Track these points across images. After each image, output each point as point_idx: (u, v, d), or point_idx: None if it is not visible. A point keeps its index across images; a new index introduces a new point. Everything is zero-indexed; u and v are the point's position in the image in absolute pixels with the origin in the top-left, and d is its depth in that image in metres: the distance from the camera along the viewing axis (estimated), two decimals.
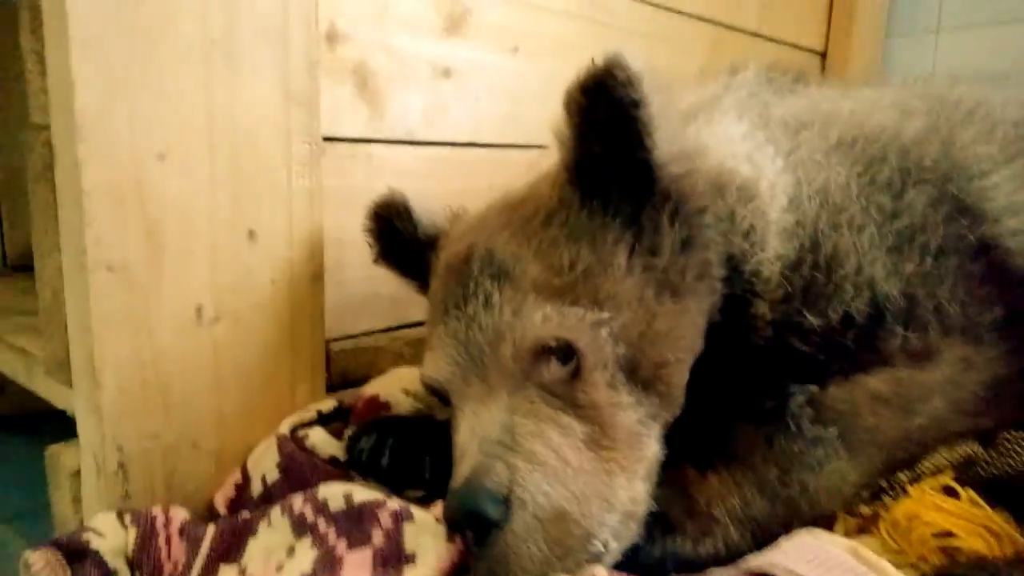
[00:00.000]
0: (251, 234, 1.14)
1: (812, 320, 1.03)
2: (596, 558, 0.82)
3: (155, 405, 1.04)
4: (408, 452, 1.10)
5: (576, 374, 0.86)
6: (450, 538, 0.85)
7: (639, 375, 0.89)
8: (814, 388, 1.01)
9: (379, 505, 0.89)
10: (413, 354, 1.58)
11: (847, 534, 0.95)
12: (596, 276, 0.89)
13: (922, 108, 1.19)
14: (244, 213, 1.13)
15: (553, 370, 0.86)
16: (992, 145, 1.14)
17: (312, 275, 1.25)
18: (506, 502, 0.78)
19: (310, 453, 1.07)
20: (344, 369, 1.43)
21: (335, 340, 1.41)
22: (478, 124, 1.67)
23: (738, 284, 1.02)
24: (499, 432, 0.83)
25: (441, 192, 1.58)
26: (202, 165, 1.07)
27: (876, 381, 1.01)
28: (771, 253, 1.03)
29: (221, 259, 1.10)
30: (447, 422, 1.11)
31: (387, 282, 1.50)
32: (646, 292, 0.91)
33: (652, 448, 0.91)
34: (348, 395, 1.36)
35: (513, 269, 0.89)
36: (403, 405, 1.31)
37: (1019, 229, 1.08)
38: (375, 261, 1.23)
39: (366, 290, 1.47)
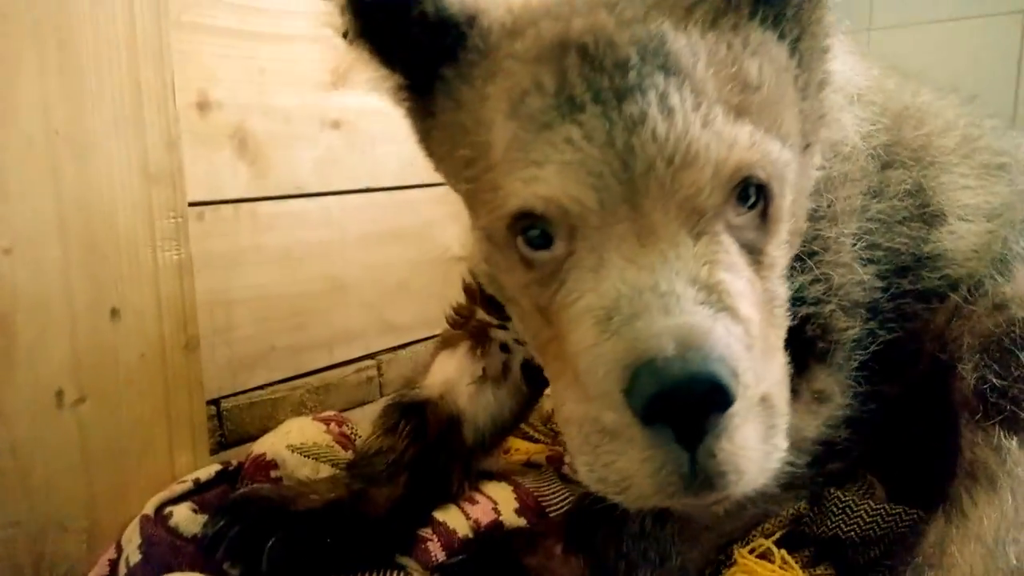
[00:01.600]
0: (114, 313, 1.17)
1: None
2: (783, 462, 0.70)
3: (14, 492, 1.07)
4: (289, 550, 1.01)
5: (764, 219, 0.72)
6: (649, 423, 0.63)
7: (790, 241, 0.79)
8: None
9: None
10: (316, 402, 1.62)
11: None
12: (777, 104, 0.74)
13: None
14: (105, 294, 1.16)
15: (744, 212, 0.71)
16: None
17: (186, 344, 1.27)
18: (734, 376, 0.61)
19: (173, 533, 1.10)
20: (239, 425, 1.47)
21: (227, 397, 1.44)
22: (375, 170, 1.69)
23: None
24: (696, 290, 0.65)
25: (339, 240, 1.62)
26: (54, 253, 1.09)
27: None
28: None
29: (83, 341, 1.13)
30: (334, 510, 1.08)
31: (282, 334, 1.54)
32: (798, 138, 0.79)
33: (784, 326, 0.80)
34: (238, 453, 1.40)
35: (692, 65, 0.68)
36: (289, 464, 1.34)
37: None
38: (350, 41, 0.86)
39: (260, 345, 1.50)
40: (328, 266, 1.61)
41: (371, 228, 1.69)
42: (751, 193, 0.71)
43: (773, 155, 0.70)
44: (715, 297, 0.65)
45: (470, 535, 1.13)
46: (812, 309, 0.99)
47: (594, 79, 0.68)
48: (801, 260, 0.94)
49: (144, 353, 1.21)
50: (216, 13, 1.34)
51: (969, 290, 1.08)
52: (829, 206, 0.98)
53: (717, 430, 0.62)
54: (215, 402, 1.41)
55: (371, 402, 1.74)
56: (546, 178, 0.68)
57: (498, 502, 1.21)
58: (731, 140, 0.67)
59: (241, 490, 1.19)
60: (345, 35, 0.85)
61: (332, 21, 0.84)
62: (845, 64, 0.99)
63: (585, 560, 0.97)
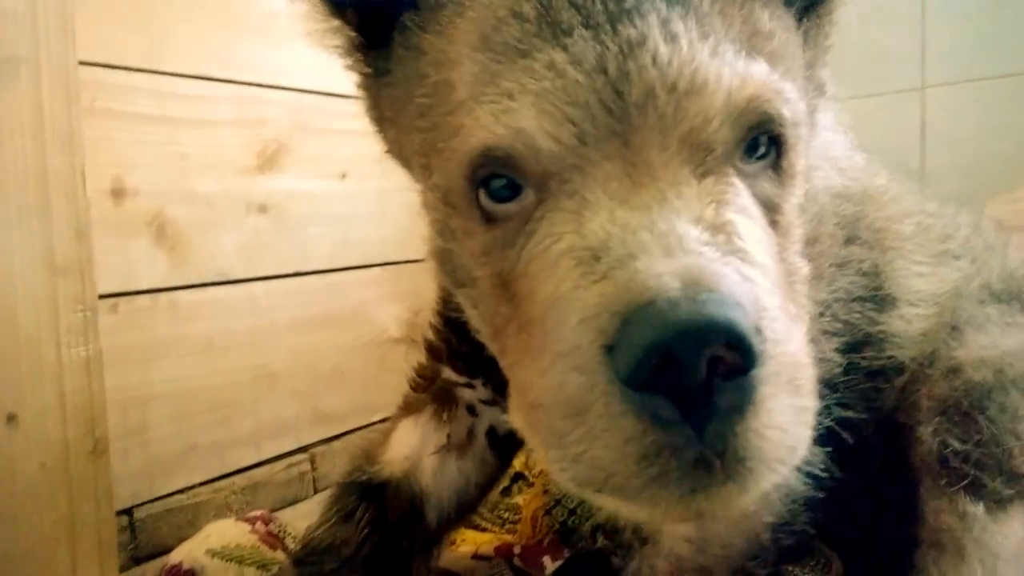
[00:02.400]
0: (11, 419, 1.07)
1: None
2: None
3: None
4: None
5: (777, 171, 0.64)
6: (640, 389, 0.48)
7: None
8: None
9: None
10: (243, 503, 1.51)
11: None
12: (789, 59, 0.68)
13: None
14: (1, 397, 1.06)
15: (754, 162, 0.62)
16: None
17: (94, 448, 1.17)
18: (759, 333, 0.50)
19: None
20: (155, 536, 1.35)
21: (141, 506, 1.33)
22: (305, 253, 1.63)
23: None
24: (701, 230, 0.54)
25: (266, 327, 1.55)
26: None
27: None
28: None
29: None
30: None
31: (204, 431, 1.44)
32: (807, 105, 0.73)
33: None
34: (153, 568, 1.28)
35: (700, 1, 0.61)
36: (209, 570, 1.22)
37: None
38: None
39: (179, 444, 1.39)
40: (255, 355, 1.53)
41: (301, 313, 1.63)
42: (761, 143, 0.62)
43: (791, 96, 0.62)
44: (723, 238, 0.54)
45: None
46: None
47: (585, 4, 0.59)
48: None
49: (44, 462, 1.11)
50: (133, 99, 1.29)
51: (922, 361, 1.08)
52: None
53: (739, 400, 0.48)
54: (127, 511, 1.30)
55: (304, 500, 1.64)
56: (518, 109, 0.57)
57: None
58: (745, 71, 0.58)
59: None
60: None
61: None
62: (826, 124, 0.98)
63: None
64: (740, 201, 0.58)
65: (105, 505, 1.20)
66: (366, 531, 1.08)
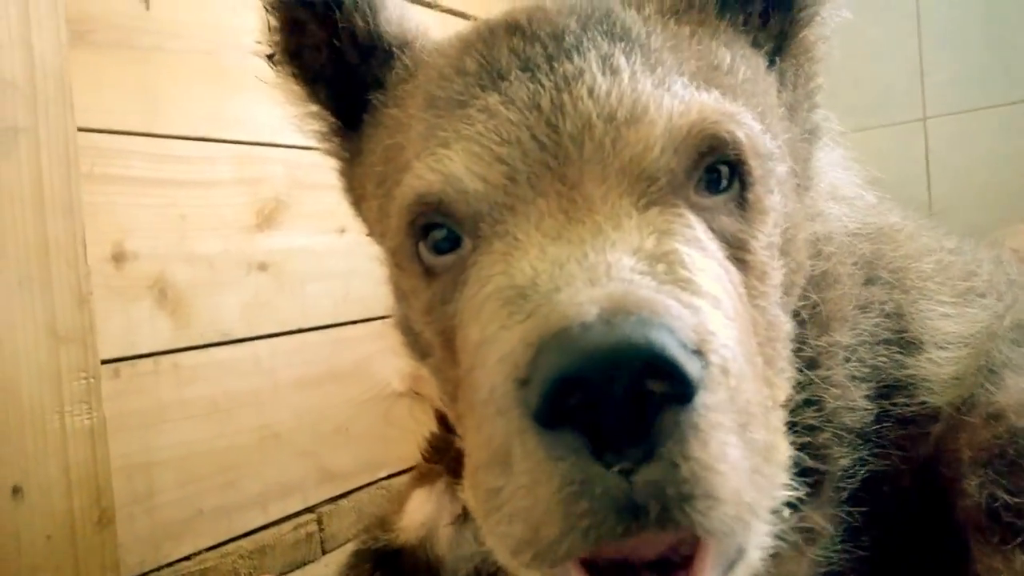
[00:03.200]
0: (16, 491, 1.05)
1: None
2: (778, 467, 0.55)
3: None
4: None
5: (743, 206, 0.60)
6: (551, 425, 0.43)
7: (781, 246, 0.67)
8: None
9: None
10: (251, 568, 1.48)
11: None
12: (758, 95, 0.66)
13: None
14: (6, 471, 1.04)
15: (719, 193, 0.59)
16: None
17: (99, 518, 1.15)
18: (696, 354, 0.45)
19: None
20: None
21: (148, 573, 1.29)
22: (306, 310, 1.63)
23: None
24: (636, 260, 0.49)
25: (270, 386, 1.53)
26: None
27: None
28: None
29: None
30: None
31: (210, 494, 1.42)
32: (787, 160, 0.70)
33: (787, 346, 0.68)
34: None
35: (647, 37, 0.60)
36: None
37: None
38: (270, 58, 0.79)
39: (186, 510, 1.36)
40: (259, 415, 1.51)
41: (305, 371, 1.61)
42: (722, 175, 0.58)
43: (746, 121, 0.58)
44: (663, 268, 0.49)
45: None
46: (807, 438, 0.89)
47: (525, 50, 0.58)
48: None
49: (51, 534, 1.08)
50: (130, 163, 1.30)
51: (959, 407, 1.04)
52: (815, 308, 0.89)
53: (676, 432, 0.42)
54: None
55: (312, 562, 1.60)
56: (449, 156, 0.56)
57: None
58: (690, 98, 0.55)
59: None
60: (271, 57, 0.78)
61: (262, 47, 0.79)
62: (833, 163, 0.96)
63: None
64: (690, 233, 0.54)
65: (112, 575, 1.16)
66: None
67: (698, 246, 0.53)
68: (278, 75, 0.79)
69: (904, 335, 1.05)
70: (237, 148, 1.47)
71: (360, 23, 0.74)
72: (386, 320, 1.87)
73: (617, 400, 0.41)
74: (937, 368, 1.04)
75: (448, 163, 0.56)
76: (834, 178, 0.96)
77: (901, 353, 1.03)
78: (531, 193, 0.54)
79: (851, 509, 0.96)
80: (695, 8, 0.67)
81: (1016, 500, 0.89)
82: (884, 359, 1.00)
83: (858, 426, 0.96)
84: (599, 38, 0.58)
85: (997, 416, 0.97)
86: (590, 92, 0.54)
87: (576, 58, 0.56)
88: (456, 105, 0.60)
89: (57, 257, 1.12)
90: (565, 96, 0.54)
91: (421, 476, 1.20)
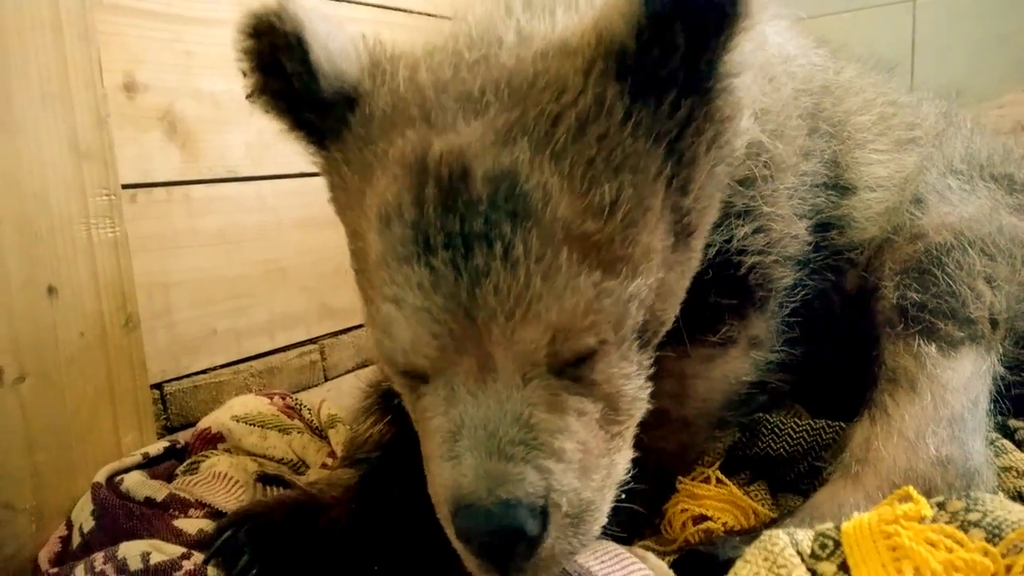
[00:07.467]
0: (51, 290, 1.16)
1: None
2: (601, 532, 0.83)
3: None
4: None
5: (593, 354, 0.78)
6: (481, 557, 0.76)
7: (645, 337, 0.83)
8: None
9: (175, 566, 0.92)
10: (261, 385, 1.62)
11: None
12: (636, 225, 0.77)
13: None
14: (41, 271, 1.15)
15: (579, 365, 0.78)
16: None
17: (126, 323, 1.27)
18: (543, 512, 0.73)
19: (125, 498, 1.09)
20: (184, 409, 1.46)
21: (170, 382, 1.43)
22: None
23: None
24: (517, 430, 0.74)
25: (274, 224, 1.63)
26: None
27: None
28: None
29: (20, 318, 1.12)
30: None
31: (222, 318, 1.54)
32: (668, 239, 0.82)
33: (643, 409, 0.87)
34: (184, 435, 1.39)
35: (541, 207, 0.71)
36: (235, 433, 1.34)
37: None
38: (248, 97, 0.89)
39: (201, 329, 1.49)
40: (265, 250, 1.62)
41: (307, 213, 1.71)
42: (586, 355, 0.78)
43: (608, 311, 0.75)
44: (532, 436, 0.74)
45: None
46: (756, 259, 1.04)
47: (447, 221, 0.72)
48: (742, 215, 1.00)
49: (84, 332, 1.20)
50: None
51: (890, 233, 1.18)
52: (766, 164, 1.02)
53: (527, 553, 0.74)
54: (159, 386, 1.40)
55: (315, 386, 1.75)
56: (402, 330, 0.75)
57: None
58: (567, 300, 0.72)
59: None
60: (248, 96, 0.88)
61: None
62: (778, 34, 1.07)
63: None
64: (557, 401, 0.76)
65: (140, 375, 1.30)
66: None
67: (557, 409, 0.76)
68: (254, 103, 0.89)
69: (840, 180, 1.18)
70: None
71: (299, 84, 0.84)
72: None
73: (498, 547, 0.74)
74: (866, 209, 1.20)
75: (401, 334, 0.76)
76: (777, 45, 1.07)
77: (836, 196, 1.17)
78: (459, 357, 0.75)
79: (790, 320, 1.11)
80: (603, 117, 0.75)
81: (922, 297, 1.06)
82: (822, 200, 1.15)
83: (799, 255, 1.10)
84: (503, 222, 0.71)
85: (919, 235, 1.13)
86: (495, 291, 0.71)
87: (482, 249, 0.71)
88: (401, 258, 0.74)
89: (76, 78, 1.18)
90: (478, 291, 0.71)
91: None
